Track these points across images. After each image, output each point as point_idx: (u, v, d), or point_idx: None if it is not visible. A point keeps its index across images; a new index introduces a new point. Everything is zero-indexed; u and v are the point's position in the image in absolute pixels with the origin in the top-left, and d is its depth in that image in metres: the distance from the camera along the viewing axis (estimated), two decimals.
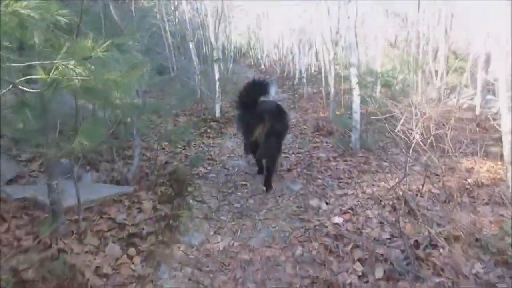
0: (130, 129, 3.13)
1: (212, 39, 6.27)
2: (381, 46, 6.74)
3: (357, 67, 4.18)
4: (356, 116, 4.34)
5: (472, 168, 3.87)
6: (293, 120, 6.32)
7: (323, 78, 7.33)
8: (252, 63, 22.03)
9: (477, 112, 6.45)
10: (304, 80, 8.74)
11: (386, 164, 3.94)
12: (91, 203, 2.61)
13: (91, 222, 2.40)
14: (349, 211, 2.87)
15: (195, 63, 6.81)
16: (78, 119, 1.94)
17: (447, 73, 6.62)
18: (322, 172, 3.78)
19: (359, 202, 3.01)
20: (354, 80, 4.20)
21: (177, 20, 9.59)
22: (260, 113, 3.21)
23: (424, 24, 5.88)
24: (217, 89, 6.11)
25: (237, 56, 27.56)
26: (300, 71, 10.00)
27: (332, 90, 5.82)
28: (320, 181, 3.55)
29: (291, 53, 14.37)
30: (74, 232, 2.20)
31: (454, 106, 5.85)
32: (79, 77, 1.35)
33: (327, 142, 4.88)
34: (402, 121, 3.21)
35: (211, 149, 4.65)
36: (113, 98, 1.94)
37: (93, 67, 1.37)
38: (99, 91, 1.49)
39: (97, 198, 2.68)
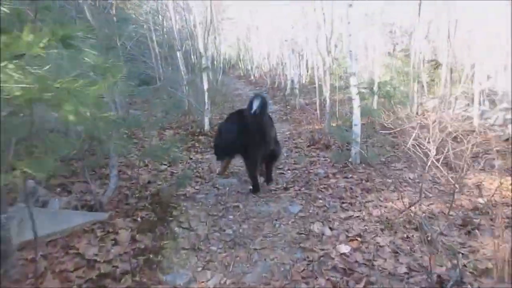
0: (107, 145, 2.75)
1: (201, 47, 5.94)
2: (377, 55, 6.53)
3: (357, 77, 3.90)
4: (356, 129, 4.05)
5: (480, 183, 3.60)
6: (287, 133, 6.01)
7: (316, 88, 7.08)
8: (242, 74, 21.85)
9: (475, 123, 6.27)
10: (297, 91, 8.48)
11: (390, 180, 3.63)
12: (56, 235, 2.21)
13: (53, 260, 1.99)
14: (357, 238, 2.53)
15: (182, 73, 6.49)
16: (33, 136, 1.56)
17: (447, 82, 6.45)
18: (322, 191, 3.44)
19: (367, 227, 2.67)
20: (354, 91, 3.91)
21: (164, 30, 9.29)
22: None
23: (422, 32, 5.70)
24: (206, 100, 5.77)
25: (226, 68, 27.50)
26: (292, 82, 9.78)
27: (327, 101, 5.54)
28: (320, 201, 3.21)
29: (282, 63, 14.22)
30: (30, 275, 1.79)
31: (456, 117, 5.65)
32: (19, 85, 0.99)
33: (324, 157, 4.57)
34: (414, 135, 2.90)
35: (200, 165, 4.28)
36: (83, 111, 1.59)
37: (39, 71, 1.01)
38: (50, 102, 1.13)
39: (64, 228, 2.28)
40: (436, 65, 7.57)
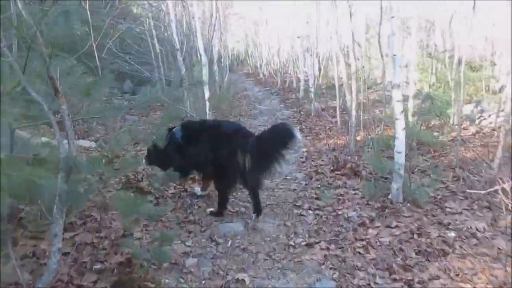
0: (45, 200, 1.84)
1: (200, 46, 4.96)
2: (412, 56, 5.48)
3: (402, 90, 2.91)
4: (400, 158, 3.07)
5: None
6: (303, 149, 5.03)
7: (337, 91, 6.08)
8: (250, 72, 20.86)
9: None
10: (312, 94, 7.47)
11: (453, 234, 2.65)
12: None
13: None
14: None
15: (182, 76, 5.57)
16: None
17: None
18: (359, 253, 2.48)
19: None
20: (398, 109, 2.93)
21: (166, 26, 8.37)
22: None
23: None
24: (207, 111, 4.84)
25: (235, 64, 26.55)
26: (306, 83, 8.77)
27: (353, 114, 4.56)
28: (361, 273, 2.25)
29: (294, 61, 13.20)
30: None
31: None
32: None
33: (354, 189, 3.60)
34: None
35: (196, 201, 3.35)
36: None
37: None
38: None
39: None
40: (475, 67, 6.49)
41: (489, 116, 6.46)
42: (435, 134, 4.27)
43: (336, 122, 6.62)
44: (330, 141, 5.23)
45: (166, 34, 8.62)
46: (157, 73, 8.96)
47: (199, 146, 3.05)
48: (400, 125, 2.97)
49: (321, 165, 4.26)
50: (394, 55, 2.83)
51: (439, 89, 4.78)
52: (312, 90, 7.44)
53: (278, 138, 2.74)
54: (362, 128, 5.19)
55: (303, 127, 6.47)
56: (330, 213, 3.12)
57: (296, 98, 9.35)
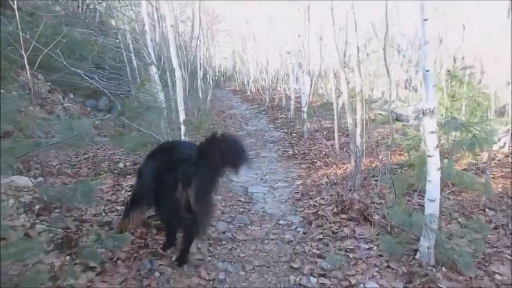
0: None
1: (173, 59, 4.14)
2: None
3: (436, 117, 2.16)
4: (433, 208, 2.29)
5: None
6: (297, 182, 4.23)
7: (335, 113, 5.36)
8: (238, 89, 20.25)
9: None
10: (305, 114, 6.74)
11: None
12: None
13: None
14: None
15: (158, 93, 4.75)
16: None
17: None
18: None
19: None
20: (431, 142, 2.18)
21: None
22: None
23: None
24: (182, 135, 4.00)
25: (221, 80, 25.96)
26: (297, 100, 8.07)
27: (357, 140, 3.81)
28: None
29: (283, 78, 12.58)
30: None
31: None
32: None
33: (366, 240, 2.79)
34: None
35: (159, 265, 2.47)
36: None
37: None
38: None
39: None
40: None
41: (499, 140, 5.86)
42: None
43: (332, 146, 5.88)
44: (329, 171, 4.45)
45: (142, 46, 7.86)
46: (132, 89, 8.14)
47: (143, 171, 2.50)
48: (434, 164, 2.21)
49: (322, 204, 3.45)
50: (427, 70, 2.09)
51: (457, 112, 4.14)
52: (305, 110, 6.71)
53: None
54: (364, 155, 4.45)
55: (296, 151, 5.70)
56: (340, 282, 2.29)
57: (286, 118, 8.63)
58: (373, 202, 3.35)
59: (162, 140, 3.79)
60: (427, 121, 2.17)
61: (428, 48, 2.09)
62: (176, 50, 4.11)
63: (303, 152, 5.61)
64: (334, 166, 4.63)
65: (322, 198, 3.57)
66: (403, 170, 4.23)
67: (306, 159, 5.18)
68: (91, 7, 11.33)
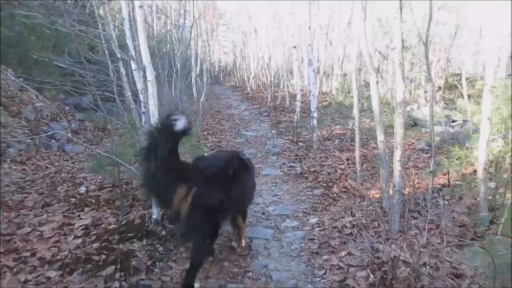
0: None
1: (145, 60, 3.02)
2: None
3: None
4: None
5: None
6: (313, 221, 3.17)
7: (356, 121, 4.30)
8: (237, 85, 19.15)
9: None
10: (315, 120, 5.67)
11: None
12: None
13: None
14: None
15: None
16: None
17: None
18: None
19: None
20: None
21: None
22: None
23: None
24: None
25: (221, 76, 24.85)
26: (307, 103, 7.00)
27: (397, 169, 2.75)
28: None
29: (287, 76, 11.50)
30: None
31: None
32: None
33: None
34: None
35: None
36: None
37: None
38: None
39: None
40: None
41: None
42: None
43: (348, 160, 4.84)
44: (352, 201, 3.40)
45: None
46: (116, 86, 7.07)
47: None
48: None
49: (351, 266, 2.39)
50: None
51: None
52: (315, 116, 5.64)
53: None
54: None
55: (305, 168, 4.64)
56: None
57: (290, 121, 7.56)
58: (425, 264, 2.31)
59: (134, 170, 2.73)
60: None
61: None
62: (148, 40, 2.98)
63: (313, 169, 4.55)
64: (357, 195, 3.58)
65: (350, 254, 2.52)
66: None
67: (319, 181, 4.13)
68: None
